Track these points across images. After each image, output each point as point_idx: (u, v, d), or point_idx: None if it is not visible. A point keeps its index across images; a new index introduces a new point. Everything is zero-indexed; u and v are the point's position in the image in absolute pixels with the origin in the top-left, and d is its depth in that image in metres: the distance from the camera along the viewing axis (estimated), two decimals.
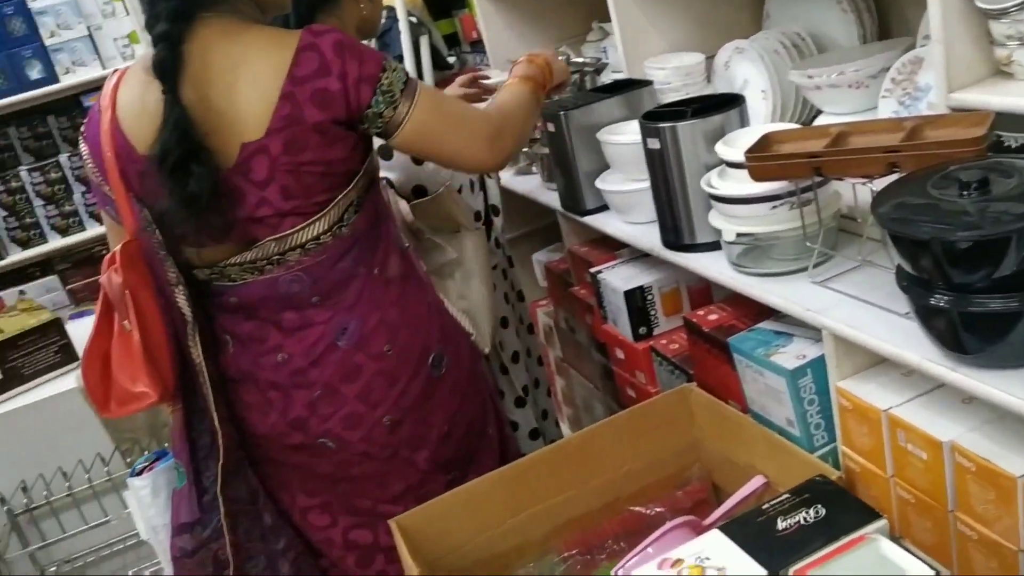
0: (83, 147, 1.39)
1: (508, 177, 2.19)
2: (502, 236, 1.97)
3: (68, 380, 1.95)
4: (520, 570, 1.30)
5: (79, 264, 3.50)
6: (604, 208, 1.74)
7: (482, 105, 1.59)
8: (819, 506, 1.02)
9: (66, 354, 1.98)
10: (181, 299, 1.36)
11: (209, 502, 1.45)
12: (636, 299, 1.66)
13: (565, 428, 2.40)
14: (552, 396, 2.22)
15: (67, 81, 3.36)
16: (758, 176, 1.18)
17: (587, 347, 2.03)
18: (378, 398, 1.41)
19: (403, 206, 1.69)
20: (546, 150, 1.97)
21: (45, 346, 1.94)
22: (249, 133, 1.25)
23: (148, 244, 1.34)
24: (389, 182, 1.69)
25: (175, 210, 1.27)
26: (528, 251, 2.41)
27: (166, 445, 1.73)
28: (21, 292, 3.40)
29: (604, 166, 1.72)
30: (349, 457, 1.44)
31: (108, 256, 1.36)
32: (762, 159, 1.16)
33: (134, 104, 1.31)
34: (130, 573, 1.96)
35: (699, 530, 1.20)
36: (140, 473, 1.52)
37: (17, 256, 3.42)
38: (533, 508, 1.33)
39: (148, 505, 1.50)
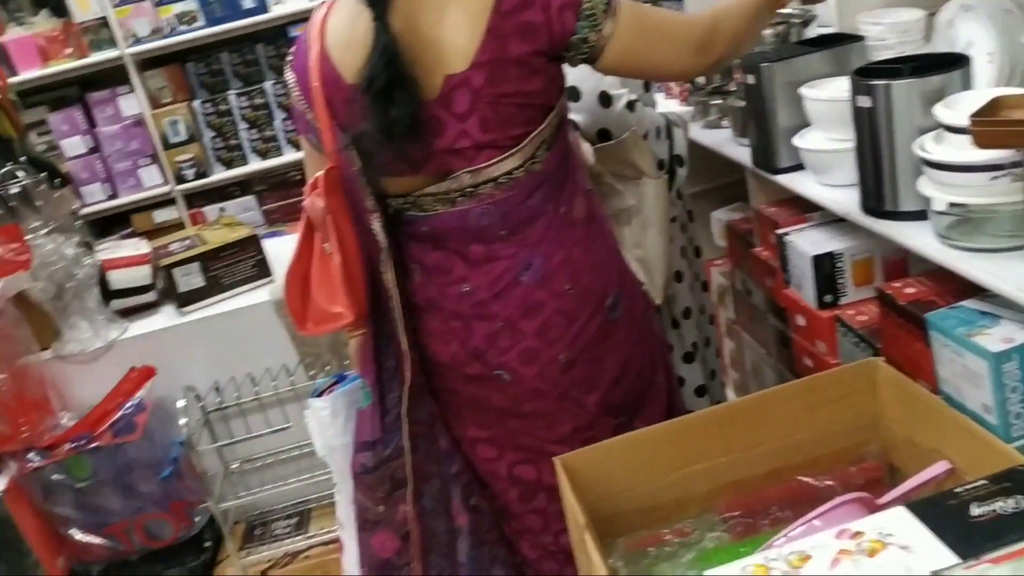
0: (290, 75, 1.45)
1: (696, 130, 2.14)
2: (685, 188, 1.93)
3: (262, 293, 2.07)
4: (678, 524, 1.29)
5: (275, 187, 3.70)
6: (798, 167, 1.68)
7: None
8: (1020, 497, 0.95)
9: (261, 268, 2.10)
10: (376, 226, 1.41)
11: (391, 423, 1.51)
12: (824, 265, 1.60)
13: (729, 392, 2.35)
14: (720, 358, 2.18)
15: (276, 11, 3.51)
16: (984, 143, 1.09)
17: (763, 311, 1.98)
18: (555, 335, 1.42)
19: (586, 149, 1.68)
20: (740, 103, 1.91)
21: (244, 259, 2.08)
22: (453, 65, 1.28)
23: (348, 171, 1.40)
24: (574, 124, 1.68)
25: (376, 136, 1.31)
26: (707, 208, 2.35)
27: (346, 363, 1.82)
28: (221, 209, 3.63)
29: (803, 123, 1.65)
30: (522, 392, 1.46)
31: (311, 181, 1.42)
32: (990, 124, 1.08)
33: (343, 34, 1.35)
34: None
35: (872, 508, 1.15)
36: (321, 395, 1.60)
37: (221, 175, 3.64)
38: (698, 465, 1.31)
39: (327, 426, 1.58)
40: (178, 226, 3.56)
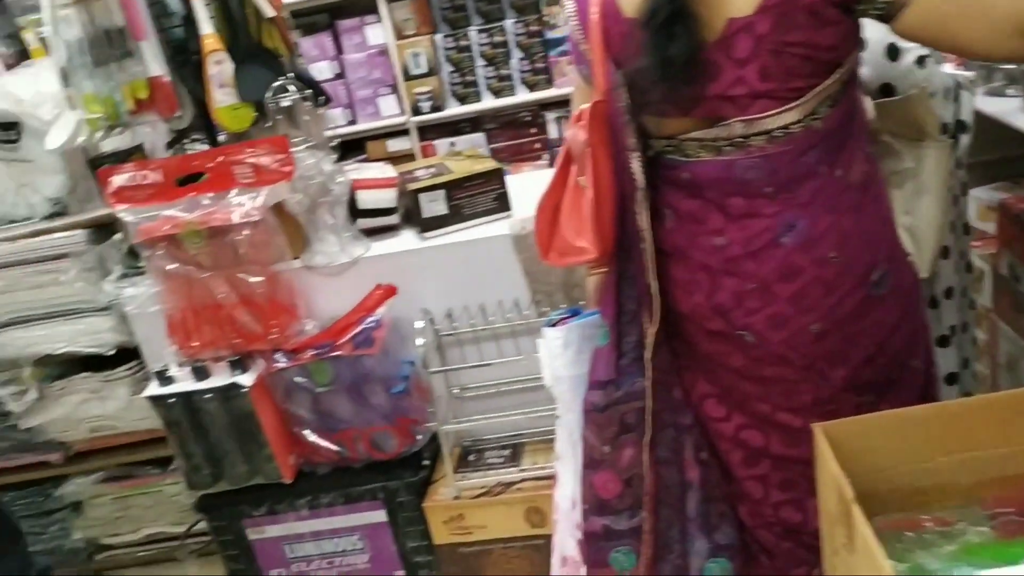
0: (569, 4, 1.43)
1: (976, 96, 1.96)
2: (965, 158, 1.78)
3: (499, 226, 2.09)
4: (939, 512, 1.20)
5: (504, 126, 3.73)
6: None
7: None
8: None
9: (502, 202, 2.12)
10: (635, 165, 1.38)
11: (626, 366, 1.50)
12: None
13: None
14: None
15: None
16: None
17: None
18: (810, 304, 1.35)
19: (865, 103, 1.58)
20: None
21: (487, 191, 2.10)
22: (738, 9, 1.22)
23: (614, 107, 1.37)
24: None
25: (650, 73, 1.28)
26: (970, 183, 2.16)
27: (580, 303, 1.82)
28: (451, 143, 3.71)
29: None
30: (765, 355, 1.41)
31: (576, 113, 1.42)
32: None
33: None
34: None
35: None
36: (555, 325, 1.61)
37: (454, 110, 3.71)
38: (967, 453, 1.21)
39: (557, 356, 1.59)
40: (409, 156, 3.68)
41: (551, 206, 1.47)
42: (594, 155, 1.39)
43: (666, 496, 1.52)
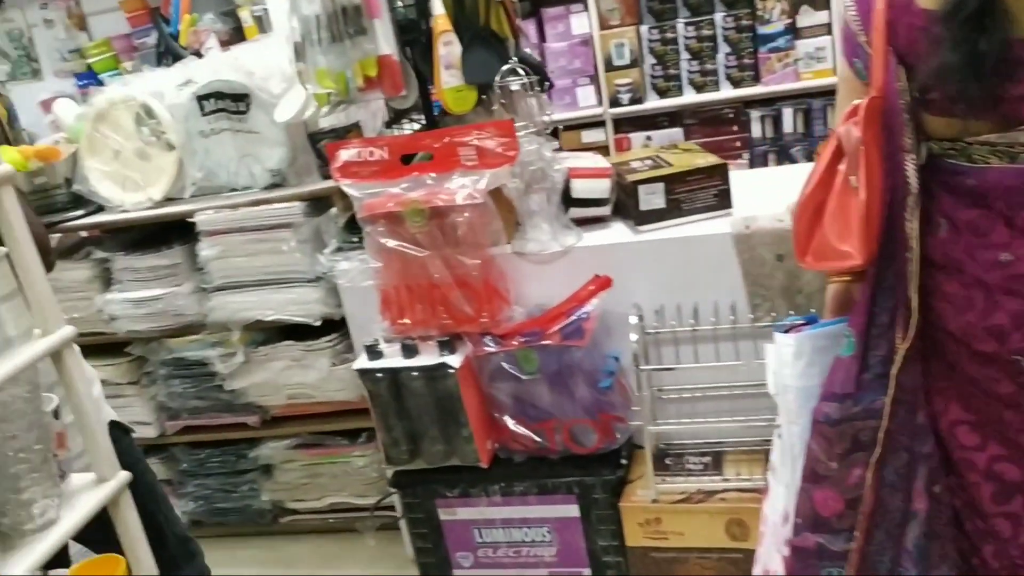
0: None
1: None
2: None
3: (719, 224, 2.01)
4: None
5: (704, 122, 3.61)
6: None
7: None
8: None
9: (722, 199, 2.04)
10: (910, 168, 1.28)
11: (868, 381, 1.41)
12: None
13: None
14: None
15: None
16: None
17: None
18: None
19: None
20: None
21: (708, 187, 2.02)
22: None
23: (892, 104, 1.28)
24: None
25: (952, 70, 1.17)
26: None
27: (811, 311, 1.71)
28: (648, 138, 3.64)
29: None
30: None
31: (850, 108, 1.33)
32: None
33: None
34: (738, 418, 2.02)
35: None
36: (788, 331, 1.52)
37: (653, 103, 3.63)
38: None
39: (786, 364, 1.51)
40: (603, 148, 3.62)
41: (814, 205, 1.38)
42: (867, 155, 1.30)
43: (883, 521, 1.43)
